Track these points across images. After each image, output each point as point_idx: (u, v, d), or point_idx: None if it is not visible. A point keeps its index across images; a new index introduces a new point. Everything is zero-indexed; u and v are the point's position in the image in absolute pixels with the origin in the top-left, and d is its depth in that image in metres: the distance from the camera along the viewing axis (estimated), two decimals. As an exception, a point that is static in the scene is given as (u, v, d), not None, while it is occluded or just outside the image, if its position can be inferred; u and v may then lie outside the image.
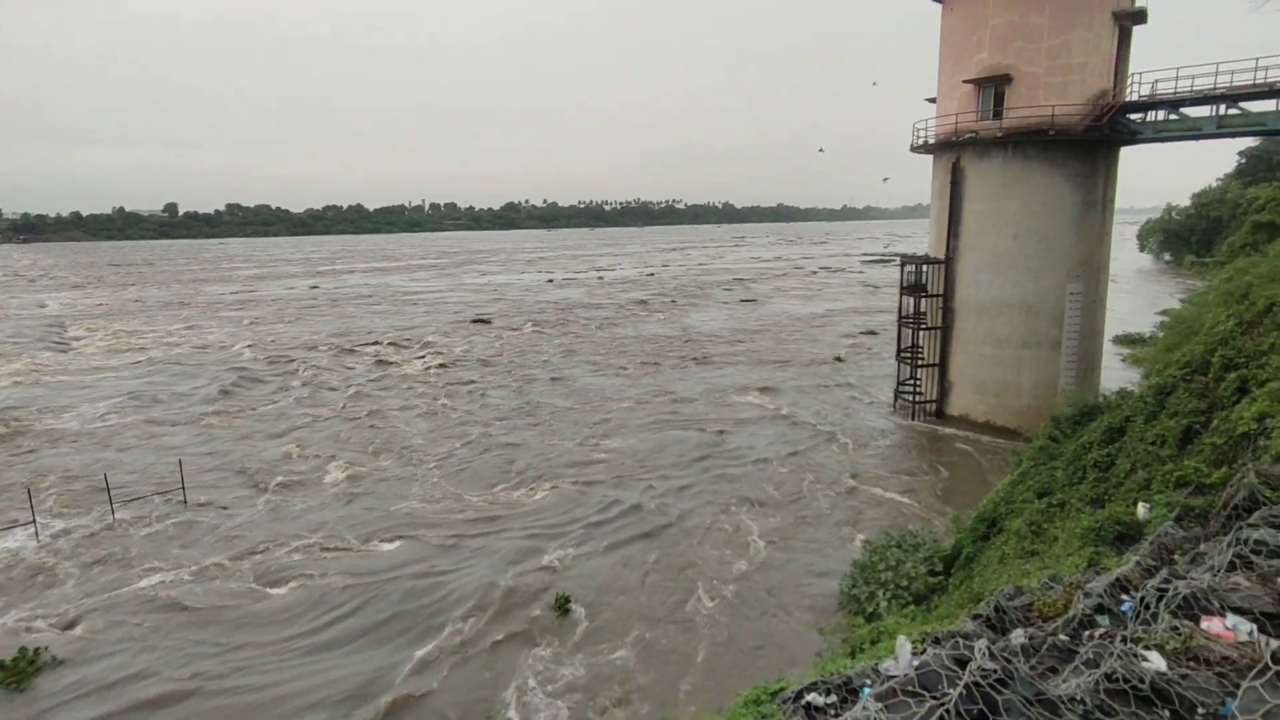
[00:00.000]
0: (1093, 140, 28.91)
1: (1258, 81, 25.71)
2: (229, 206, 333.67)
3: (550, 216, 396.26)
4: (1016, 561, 12.22)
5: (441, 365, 47.00)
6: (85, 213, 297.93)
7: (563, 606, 18.00)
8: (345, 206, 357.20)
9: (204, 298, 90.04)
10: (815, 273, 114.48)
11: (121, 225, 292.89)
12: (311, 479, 27.41)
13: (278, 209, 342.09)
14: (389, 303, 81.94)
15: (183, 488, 25.77)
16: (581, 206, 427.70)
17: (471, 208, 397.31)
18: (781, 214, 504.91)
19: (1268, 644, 3.71)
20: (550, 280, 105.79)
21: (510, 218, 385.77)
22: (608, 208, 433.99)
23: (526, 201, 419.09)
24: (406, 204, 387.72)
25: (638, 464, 28.51)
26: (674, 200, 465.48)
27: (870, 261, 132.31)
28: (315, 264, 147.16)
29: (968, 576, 14.78)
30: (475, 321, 66.30)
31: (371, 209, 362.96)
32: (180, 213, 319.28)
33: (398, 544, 21.99)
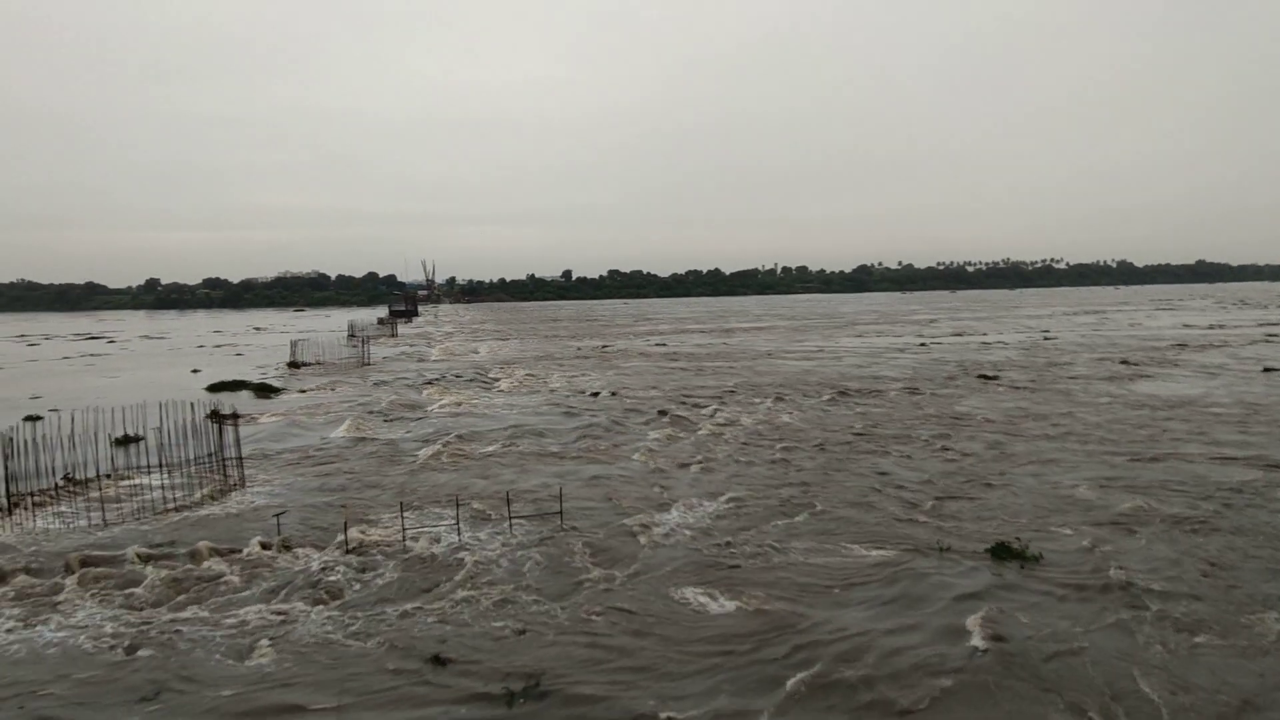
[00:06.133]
0: None
1: None
2: (610, 272, 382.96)
3: (905, 279, 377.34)
4: None
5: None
6: (508, 279, 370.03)
7: None
8: (705, 271, 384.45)
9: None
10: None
11: (531, 289, 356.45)
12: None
13: (647, 273, 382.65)
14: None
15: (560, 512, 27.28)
16: (940, 268, 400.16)
17: (822, 270, 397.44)
18: (1201, 273, 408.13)
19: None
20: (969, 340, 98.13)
21: (862, 280, 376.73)
22: (970, 269, 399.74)
23: (880, 264, 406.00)
24: (760, 268, 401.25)
25: None
26: (1053, 260, 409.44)
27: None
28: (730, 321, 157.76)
29: None
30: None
31: (728, 273, 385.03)
32: (573, 278, 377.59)
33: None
